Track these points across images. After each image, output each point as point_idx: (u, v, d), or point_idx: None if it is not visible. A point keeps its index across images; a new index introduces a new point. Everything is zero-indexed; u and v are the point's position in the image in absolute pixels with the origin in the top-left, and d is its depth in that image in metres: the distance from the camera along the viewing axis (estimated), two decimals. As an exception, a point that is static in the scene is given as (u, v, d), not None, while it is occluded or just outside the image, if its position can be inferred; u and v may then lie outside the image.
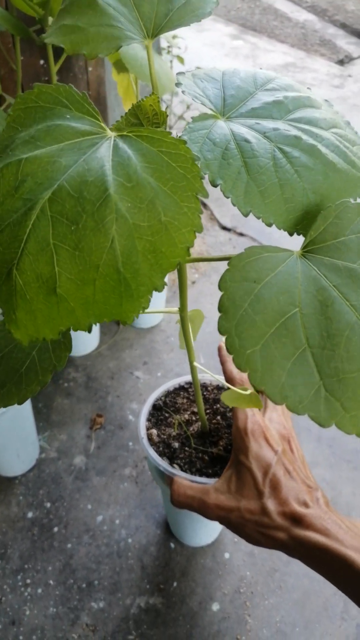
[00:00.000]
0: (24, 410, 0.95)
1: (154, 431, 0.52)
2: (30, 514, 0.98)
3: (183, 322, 0.43)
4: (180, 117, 1.69)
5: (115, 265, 0.24)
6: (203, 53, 2.94)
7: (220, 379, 0.54)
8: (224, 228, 1.62)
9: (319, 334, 0.27)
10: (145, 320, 1.30)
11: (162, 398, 0.54)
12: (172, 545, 0.94)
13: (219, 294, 0.48)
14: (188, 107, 1.68)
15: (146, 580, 0.90)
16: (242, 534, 0.44)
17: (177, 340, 1.29)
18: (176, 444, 0.50)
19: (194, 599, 0.88)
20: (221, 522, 0.45)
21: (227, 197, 0.28)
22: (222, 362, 0.51)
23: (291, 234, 0.29)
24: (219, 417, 0.51)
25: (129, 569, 0.91)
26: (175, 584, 0.90)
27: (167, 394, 0.55)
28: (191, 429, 0.51)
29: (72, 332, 1.12)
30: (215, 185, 0.28)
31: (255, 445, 0.44)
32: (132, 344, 1.28)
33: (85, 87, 1.26)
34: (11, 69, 1.05)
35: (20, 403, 0.40)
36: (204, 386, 0.57)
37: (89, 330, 0.25)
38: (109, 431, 1.12)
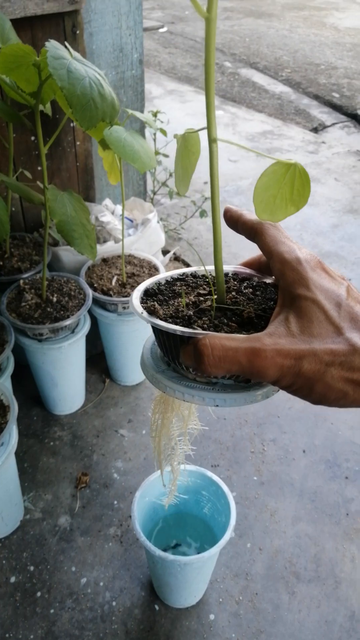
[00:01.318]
0: (9, 472, 0.96)
1: (157, 305, 0.39)
2: (13, 579, 0.97)
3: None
4: (164, 184, 1.79)
5: None
6: (186, 122, 3.12)
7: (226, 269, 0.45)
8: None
9: None
10: (130, 377, 1.33)
11: (155, 286, 0.44)
12: (157, 607, 0.94)
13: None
14: (170, 175, 1.79)
15: (130, 645, 0.89)
16: (317, 389, 0.32)
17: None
18: (190, 313, 0.38)
19: (179, 664, 0.87)
20: (283, 381, 0.32)
21: None
22: (236, 219, 0.39)
23: None
24: (233, 293, 0.41)
25: (113, 634, 0.90)
26: (159, 648, 0.89)
27: (160, 284, 0.44)
28: (203, 306, 0.39)
29: (58, 392, 1.14)
30: None
31: (315, 275, 0.34)
32: (117, 402, 1.30)
33: (73, 159, 1.35)
34: (3, 145, 1.13)
35: None
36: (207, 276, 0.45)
37: None
38: (94, 490, 1.13)
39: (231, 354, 0.32)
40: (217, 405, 0.36)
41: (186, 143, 0.39)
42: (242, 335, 0.33)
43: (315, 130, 3.15)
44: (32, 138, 1.23)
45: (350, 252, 1.89)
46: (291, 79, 3.89)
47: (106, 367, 1.36)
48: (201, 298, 0.41)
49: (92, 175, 1.40)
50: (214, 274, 0.40)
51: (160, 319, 0.37)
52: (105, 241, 1.25)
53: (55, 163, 1.31)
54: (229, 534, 0.77)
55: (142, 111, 1.48)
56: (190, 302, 0.41)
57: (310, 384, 0.32)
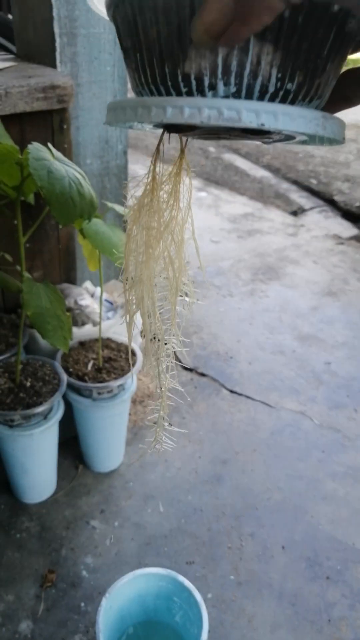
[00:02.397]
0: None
1: None
2: None
3: None
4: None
5: None
6: (171, 202, 3.25)
7: None
8: (186, 368, 1.68)
9: None
10: (105, 464, 1.28)
11: None
12: None
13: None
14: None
15: None
16: None
17: (136, 485, 1.27)
18: None
19: None
20: None
21: None
22: None
23: None
24: None
25: None
26: None
27: None
28: None
29: (29, 480, 1.09)
30: None
31: None
32: (89, 490, 1.25)
33: (56, 242, 1.37)
34: (-14, 230, 1.15)
35: None
36: None
37: None
38: (61, 590, 1.05)
39: None
40: (262, 125, 0.20)
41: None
42: None
43: (294, 213, 3.29)
44: (15, 222, 1.26)
45: (329, 334, 1.91)
46: (271, 165, 4.11)
47: (80, 452, 1.32)
48: None
49: (74, 258, 1.42)
50: None
51: None
52: (83, 324, 1.25)
53: (38, 245, 1.33)
54: (200, 653, 0.71)
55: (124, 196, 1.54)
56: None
57: None
